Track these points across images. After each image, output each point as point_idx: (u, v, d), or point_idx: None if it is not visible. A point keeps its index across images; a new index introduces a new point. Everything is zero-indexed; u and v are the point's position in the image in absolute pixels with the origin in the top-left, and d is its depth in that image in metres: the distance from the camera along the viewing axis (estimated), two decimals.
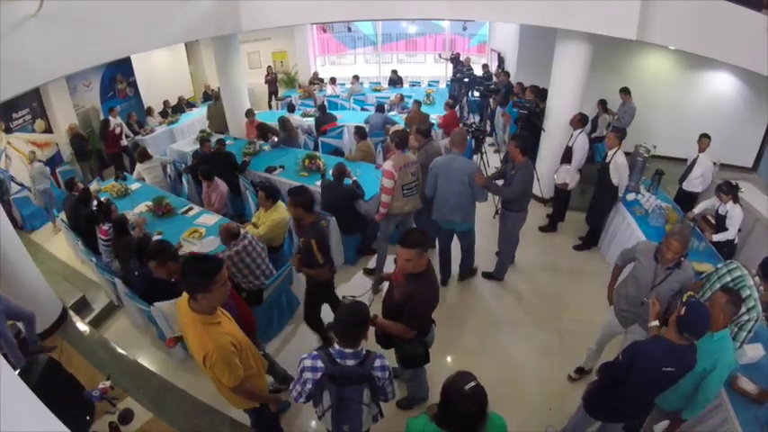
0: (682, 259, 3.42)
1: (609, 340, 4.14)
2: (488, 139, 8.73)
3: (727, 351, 2.87)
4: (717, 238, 5.03)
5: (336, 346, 2.63)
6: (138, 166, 7.81)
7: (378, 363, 2.66)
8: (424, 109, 9.46)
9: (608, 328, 4.06)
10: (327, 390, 2.64)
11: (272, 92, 14.07)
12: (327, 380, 2.61)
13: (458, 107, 9.47)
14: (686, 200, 6.32)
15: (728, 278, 3.75)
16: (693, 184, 6.36)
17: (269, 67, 14.32)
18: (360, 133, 7.56)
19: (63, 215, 6.63)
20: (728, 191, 5.00)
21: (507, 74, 10.96)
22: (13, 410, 1.73)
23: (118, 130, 9.46)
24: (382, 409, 2.95)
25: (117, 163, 9.52)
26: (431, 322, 3.56)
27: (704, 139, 6.21)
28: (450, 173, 4.90)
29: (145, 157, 7.78)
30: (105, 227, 5.39)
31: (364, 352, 2.65)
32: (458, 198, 4.98)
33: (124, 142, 9.67)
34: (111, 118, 9.54)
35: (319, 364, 2.61)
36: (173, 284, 3.93)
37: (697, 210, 5.41)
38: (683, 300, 2.86)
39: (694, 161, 6.33)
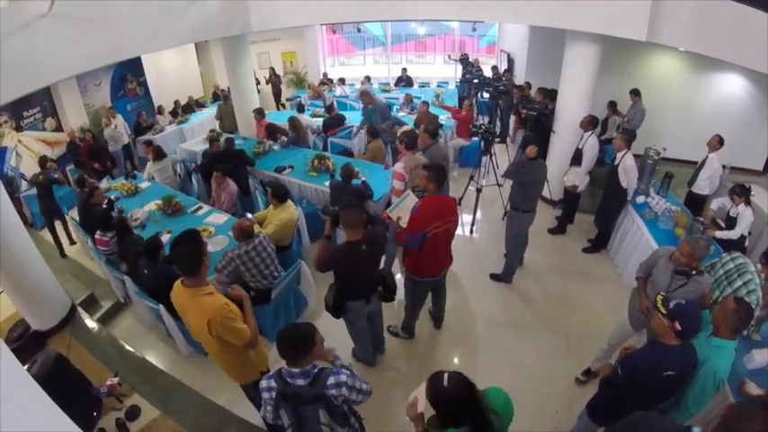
0: (693, 272, 3.40)
1: (621, 342, 4.08)
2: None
3: (719, 361, 2.74)
4: (720, 234, 5.02)
5: (285, 366, 2.52)
6: (150, 166, 7.82)
7: (331, 380, 2.47)
8: (433, 110, 9.43)
9: (621, 329, 4.05)
10: (284, 409, 2.55)
11: (276, 93, 14.14)
12: (281, 399, 2.51)
13: None
14: (695, 203, 6.26)
15: (731, 265, 3.89)
16: (701, 186, 6.28)
17: (271, 68, 14.32)
18: (371, 132, 7.56)
19: (73, 213, 6.69)
20: (741, 193, 5.00)
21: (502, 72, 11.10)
22: (22, 406, 1.75)
23: (108, 129, 9.41)
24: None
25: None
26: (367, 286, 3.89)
27: (714, 138, 6.06)
28: None
29: (159, 155, 7.76)
30: (106, 237, 5.34)
31: (315, 371, 2.49)
32: None
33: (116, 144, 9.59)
34: (108, 119, 9.54)
35: (273, 383, 2.52)
36: None
37: (714, 206, 5.42)
38: (658, 303, 2.71)
39: (703, 162, 6.25)
